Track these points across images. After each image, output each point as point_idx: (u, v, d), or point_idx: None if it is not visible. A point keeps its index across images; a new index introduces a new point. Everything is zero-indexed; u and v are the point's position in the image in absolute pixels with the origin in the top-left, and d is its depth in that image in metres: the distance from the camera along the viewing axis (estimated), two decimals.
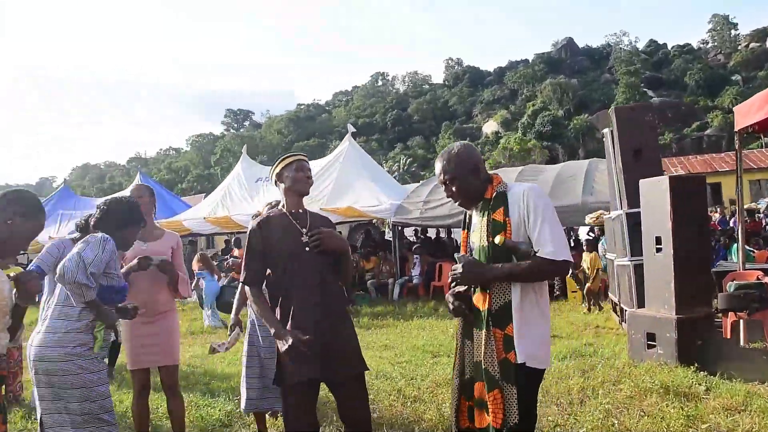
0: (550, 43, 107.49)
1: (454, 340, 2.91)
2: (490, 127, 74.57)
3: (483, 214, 2.65)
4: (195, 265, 11.09)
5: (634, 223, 6.86)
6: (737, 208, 8.07)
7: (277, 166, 3.19)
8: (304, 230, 3.03)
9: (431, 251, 14.53)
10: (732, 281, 6.44)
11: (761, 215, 16.42)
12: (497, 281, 2.55)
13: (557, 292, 11.55)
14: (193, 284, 10.31)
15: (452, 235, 16.74)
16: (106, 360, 7.34)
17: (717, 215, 17.88)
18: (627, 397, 4.77)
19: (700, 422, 4.13)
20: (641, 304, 6.54)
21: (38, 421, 3.11)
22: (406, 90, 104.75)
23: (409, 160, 64.66)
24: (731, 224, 14.80)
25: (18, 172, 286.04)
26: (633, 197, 6.80)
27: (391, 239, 15.12)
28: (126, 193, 4.61)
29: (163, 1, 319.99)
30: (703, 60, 75.88)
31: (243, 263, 3.10)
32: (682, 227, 5.76)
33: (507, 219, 2.57)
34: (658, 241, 5.95)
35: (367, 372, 3.18)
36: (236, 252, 15.29)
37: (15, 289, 2.59)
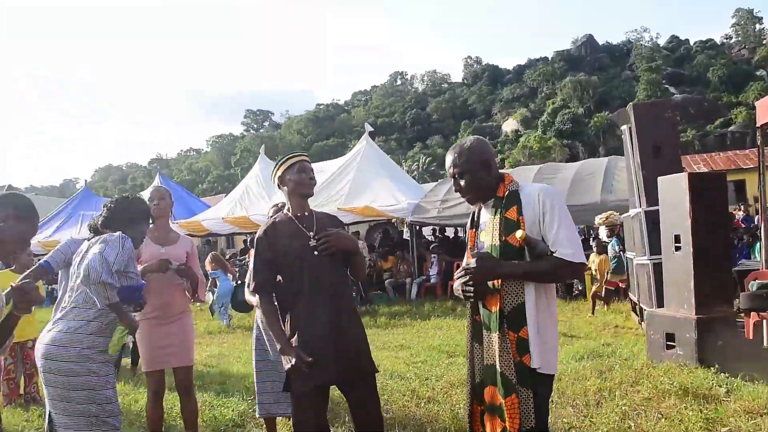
0: (569, 40, 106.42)
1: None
2: (509, 125, 74.14)
3: (495, 213, 2.57)
4: (208, 266, 11.14)
5: (652, 221, 6.75)
6: (761, 205, 7.90)
7: (278, 169, 3.10)
8: (311, 233, 2.99)
9: (449, 250, 14.44)
10: (754, 280, 6.28)
11: None
12: (511, 278, 2.48)
13: (576, 292, 11.45)
14: (208, 285, 10.36)
15: None
16: (128, 360, 7.50)
17: (741, 213, 17.58)
18: (645, 399, 4.68)
19: (720, 425, 4.04)
20: (660, 303, 6.43)
21: (47, 418, 3.12)
22: (425, 89, 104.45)
23: (428, 159, 64.48)
24: (755, 222, 14.53)
25: (42, 174, 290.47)
26: (652, 195, 6.69)
27: (408, 238, 15.10)
28: (146, 194, 4.65)
29: (183, 3, 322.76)
30: (727, 55, 74.65)
31: (251, 271, 3.08)
32: (702, 225, 5.65)
33: (521, 218, 2.49)
34: (677, 239, 5.85)
35: (381, 372, 3.15)
36: (252, 252, 15.35)
37: (13, 299, 2.58)
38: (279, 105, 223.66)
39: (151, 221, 3.75)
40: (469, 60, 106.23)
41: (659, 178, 6.29)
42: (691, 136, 52.28)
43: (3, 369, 6.25)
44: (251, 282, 3.07)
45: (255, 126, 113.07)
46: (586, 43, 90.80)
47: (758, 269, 6.85)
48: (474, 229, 2.74)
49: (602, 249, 10.30)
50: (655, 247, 6.69)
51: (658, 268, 6.53)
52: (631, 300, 8.83)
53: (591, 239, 11.13)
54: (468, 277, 2.50)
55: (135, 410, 5.53)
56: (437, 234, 16.83)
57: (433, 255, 14.02)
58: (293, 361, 2.81)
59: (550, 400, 2.63)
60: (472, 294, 2.52)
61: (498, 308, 2.49)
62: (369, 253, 15.30)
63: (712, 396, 4.61)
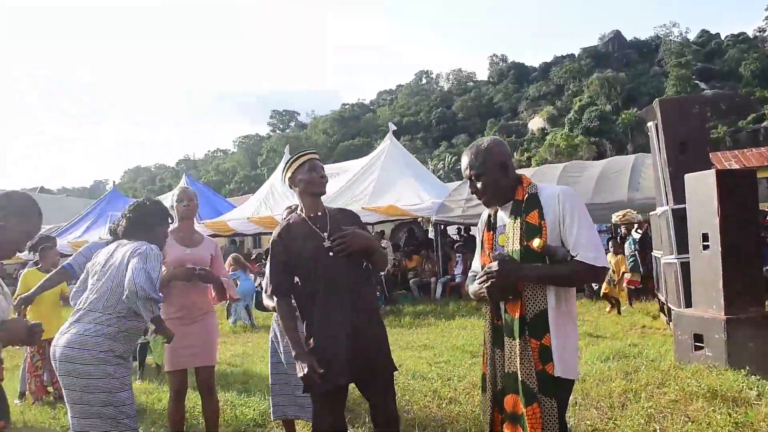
0: (596, 36, 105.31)
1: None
2: (536, 123, 73.52)
3: (515, 217, 2.51)
4: (227, 267, 11.18)
5: (680, 219, 6.61)
6: None
7: (288, 169, 3.05)
8: (325, 234, 2.95)
9: (474, 250, 14.33)
10: None
11: None
12: (532, 281, 2.43)
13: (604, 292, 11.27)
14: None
15: None
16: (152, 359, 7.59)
17: None
18: (671, 402, 4.56)
19: (749, 429, 3.92)
20: (688, 303, 6.29)
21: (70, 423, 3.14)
22: (451, 88, 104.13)
23: (453, 158, 64.18)
24: None
25: (73, 176, 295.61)
26: (679, 193, 6.56)
27: (433, 238, 15.04)
28: (167, 198, 4.69)
29: (210, 6, 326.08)
30: (760, 49, 72.92)
31: (268, 274, 3.06)
32: (731, 223, 5.51)
33: (543, 222, 2.45)
34: (705, 237, 5.72)
35: (403, 372, 3.13)
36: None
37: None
38: (305, 105, 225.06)
39: (173, 221, 3.76)
40: (494, 58, 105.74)
41: (686, 176, 6.16)
42: (722, 133, 51.27)
43: (30, 365, 6.35)
44: (268, 285, 3.06)
45: (281, 126, 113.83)
46: (614, 39, 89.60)
47: None
48: (491, 232, 2.67)
49: (619, 249, 10.14)
50: (682, 246, 6.55)
51: (685, 267, 6.39)
52: (659, 300, 8.68)
53: (616, 238, 10.93)
54: (489, 281, 2.45)
55: (158, 409, 5.57)
56: (462, 233, 16.73)
57: (458, 254, 13.93)
58: (305, 370, 2.80)
59: (573, 402, 2.57)
60: (495, 293, 2.48)
61: (519, 314, 2.44)
62: (394, 252, 15.28)
63: (742, 399, 4.48)
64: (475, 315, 10.19)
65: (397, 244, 16.70)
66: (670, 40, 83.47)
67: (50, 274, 5.73)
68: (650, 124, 7.72)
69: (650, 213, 8.91)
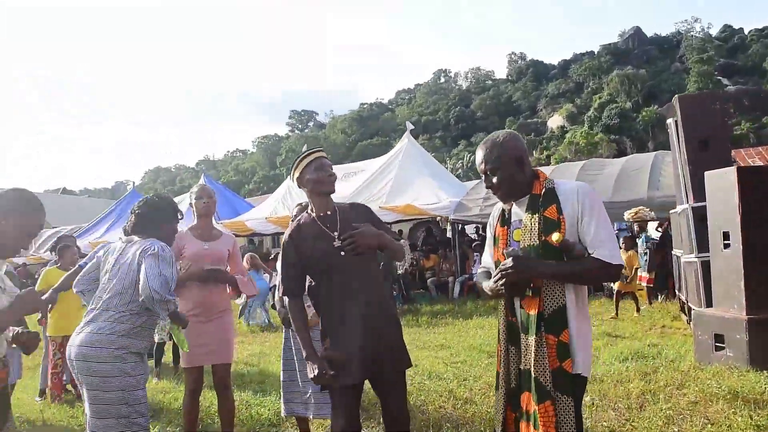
0: (616, 33, 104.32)
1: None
2: (555, 121, 73.04)
3: (532, 212, 2.46)
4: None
5: (700, 217, 6.51)
6: None
7: (295, 170, 3.02)
8: (336, 234, 2.93)
9: None
10: None
11: None
12: (546, 278, 2.39)
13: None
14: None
15: None
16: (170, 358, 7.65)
17: None
18: (690, 403, 4.48)
19: None
20: (709, 303, 6.19)
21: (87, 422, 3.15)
22: (469, 86, 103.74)
23: (472, 157, 63.75)
24: None
25: (96, 177, 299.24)
26: (699, 190, 6.46)
27: (451, 237, 14.99)
28: (181, 199, 4.73)
29: (229, 7, 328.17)
30: None
31: (280, 275, 3.06)
32: (752, 221, 5.42)
33: (561, 217, 2.40)
34: (726, 236, 5.63)
35: (419, 372, 3.10)
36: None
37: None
38: (323, 105, 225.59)
39: (182, 217, 3.77)
40: (513, 56, 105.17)
41: (706, 173, 6.06)
42: (745, 129, 50.46)
43: (51, 362, 6.42)
44: (279, 286, 3.06)
45: (300, 126, 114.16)
46: (634, 36, 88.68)
47: None
48: (505, 227, 2.61)
49: (630, 245, 10.02)
50: (702, 245, 6.45)
51: (706, 266, 6.30)
52: (679, 299, 8.56)
53: (632, 236, 10.80)
54: (503, 279, 2.41)
55: (175, 408, 5.59)
56: (480, 232, 16.66)
57: (475, 253, 13.85)
58: (315, 371, 2.81)
59: (590, 403, 2.52)
60: (511, 290, 2.44)
61: (537, 311, 2.39)
62: (411, 251, 15.25)
63: (764, 401, 4.39)
64: (493, 314, 10.12)
65: (414, 243, 16.66)
66: (692, 35, 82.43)
67: (69, 272, 5.85)
68: (670, 121, 7.61)
69: (670, 211, 8.80)
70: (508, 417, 2.55)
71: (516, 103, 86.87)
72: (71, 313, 6.13)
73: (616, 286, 9.48)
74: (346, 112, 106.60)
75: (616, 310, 9.33)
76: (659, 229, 13.53)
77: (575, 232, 2.40)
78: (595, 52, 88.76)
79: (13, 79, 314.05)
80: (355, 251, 2.87)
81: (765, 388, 4.66)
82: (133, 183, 33.53)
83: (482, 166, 2.56)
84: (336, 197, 3.12)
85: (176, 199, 4.05)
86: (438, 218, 17.00)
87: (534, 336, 2.38)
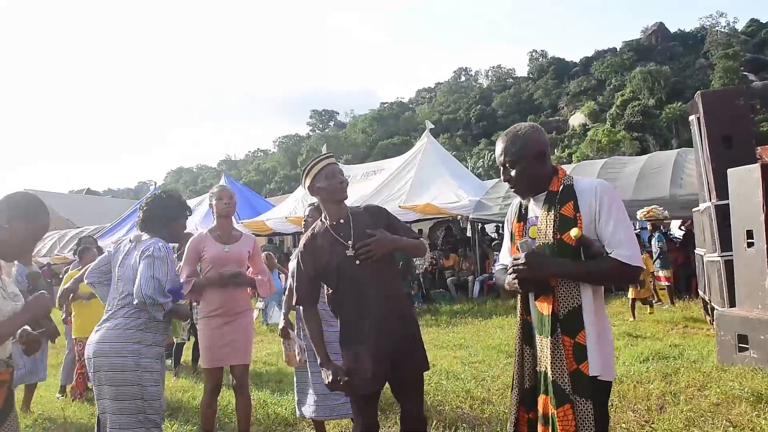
0: (639, 29, 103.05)
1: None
2: (577, 119, 72.38)
3: (548, 209, 2.39)
4: None
5: (723, 215, 6.41)
6: None
7: (306, 178, 3.00)
8: (350, 242, 2.91)
9: None
10: None
11: None
12: (561, 276, 2.32)
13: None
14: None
15: None
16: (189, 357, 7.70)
17: None
18: (712, 405, 4.40)
19: None
20: (732, 303, 6.09)
21: (97, 420, 3.19)
22: (490, 84, 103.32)
23: (493, 155, 63.64)
24: None
25: (120, 178, 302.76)
26: (722, 188, 6.35)
27: (471, 236, 14.93)
28: (199, 201, 4.78)
29: (252, 9, 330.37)
30: None
31: (295, 284, 3.06)
32: None
33: (578, 214, 2.32)
34: (750, 235, 5.53)
35: (437, 372, 3.10)
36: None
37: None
38: (343, 105, 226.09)
39: (191, 214, 3.79)
40: (534, 54, 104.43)
41: (729, 170, 5.97)
42: None
43: (77, 363, 6.49)
44: (294, 294, 3.07)
45: (320, 126, 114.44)
46: (657, 32, 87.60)
47: None
48: (521, 223, 2.55)
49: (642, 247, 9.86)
50: (725, 244, 6.34)
51: (729, 265, 6.20)
52: (702, 299, 8.42)
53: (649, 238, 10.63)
54: (517, 273, 2.36)
55: (193, 406, 5.63)
56: (500, 231, 16.56)
57: (495, 252, 13.76)
58: (329, 377, 2.84)
59: (609, 404, 2.47)
60: (525, 285, 2.38)
61: (551, 311, 2.33)
62: (431, 251, 15.20)
63: None
64: (513, 314, 10.02)
65: (434, 242, 16.62)
66: (717, 30, 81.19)
67: (81, 273, 5.98)
68: (692, 117, 7.50)
69: (693, 209, 8.67)
70: (520, 417, 2.49)
71: (537, 101, 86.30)
72: (98, 315, 6.20)
73: (630, 293, 9.11)
74: (367, 111, 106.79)
75: (633, 315, 9.04)
76: (683, 227, 13.35)
77: (592, 230, 2.32)
78: (618, 49, 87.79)
79: (39, 78, 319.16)
80: (369, 259, 2.87)
81: None
82: (155, 183, 33.74)
83: (501, 158, 2.48)
84: (356, 196, 3.12)
85: (197, 200, 4.08)
86: (458, 217, 16.94)
87: (550, 337, 2.32)
